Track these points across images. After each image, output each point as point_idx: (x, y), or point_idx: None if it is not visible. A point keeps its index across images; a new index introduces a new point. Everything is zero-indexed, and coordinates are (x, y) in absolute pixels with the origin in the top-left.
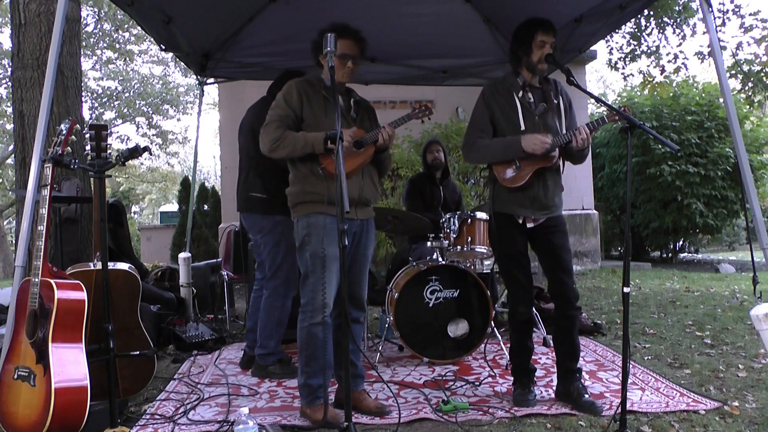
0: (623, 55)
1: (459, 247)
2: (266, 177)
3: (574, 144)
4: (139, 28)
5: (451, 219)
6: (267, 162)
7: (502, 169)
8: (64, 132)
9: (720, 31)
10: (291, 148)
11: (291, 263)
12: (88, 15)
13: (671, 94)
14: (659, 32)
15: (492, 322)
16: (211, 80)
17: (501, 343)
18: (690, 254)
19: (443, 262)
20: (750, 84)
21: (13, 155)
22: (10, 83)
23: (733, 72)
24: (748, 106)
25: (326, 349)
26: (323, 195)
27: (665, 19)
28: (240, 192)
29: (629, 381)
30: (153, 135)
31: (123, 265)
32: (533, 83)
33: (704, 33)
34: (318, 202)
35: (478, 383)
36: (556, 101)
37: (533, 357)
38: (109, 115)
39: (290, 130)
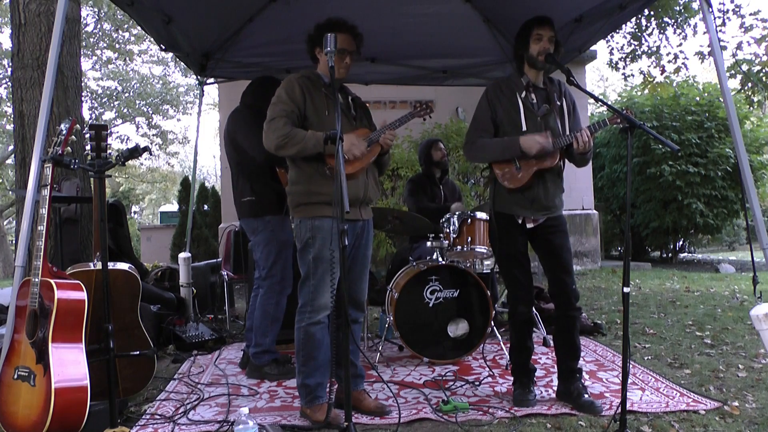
0: (624, 55)
1: (459, 247)
2: (252, 179)
3: (576, 147)
4: (139, 28)
5: (451, 219)
6: (251, 164)
7: (502, 170)
8: (64, 132)
9: (720, 31)
10: (301, 146)
11: (284, 261)
12: (88, 15)
13: (671, 94)
14: (660, 32)
15: (492, 322)
16: (211, 80)
17: (501, 343)
18: (690, 254)
19: (443, 262)
20: (750, 84)
21: (13, 155)
22: (10, 83)
23: (733, 72)
24: (748, 106)
25: (324, 348)
26: (330, 196)
27: (666, 19)
28: (235, 200)
29: (629, 381)
30: (153, 135)
31: (123, 265)
32: (537, 83)
33: (704, 33)
34: (324, 204)
35: (478, 383)
36: (559, 102)
37: (533, 357)
38: (109, 115)
39: (296, 127)
